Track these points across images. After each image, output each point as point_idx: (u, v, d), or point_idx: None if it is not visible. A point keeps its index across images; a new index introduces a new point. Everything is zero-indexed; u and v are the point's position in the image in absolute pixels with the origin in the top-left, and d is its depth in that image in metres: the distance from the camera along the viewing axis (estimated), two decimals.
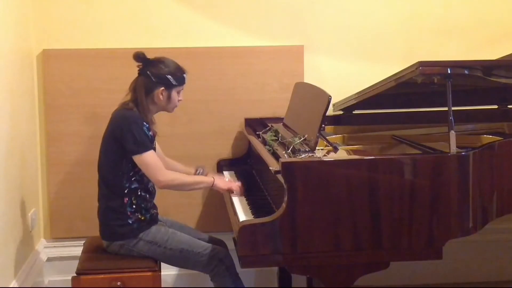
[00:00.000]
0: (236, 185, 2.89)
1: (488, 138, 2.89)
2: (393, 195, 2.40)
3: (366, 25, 3.62)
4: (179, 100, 2.84)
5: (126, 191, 2.75)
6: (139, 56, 2.78)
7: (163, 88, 2.77)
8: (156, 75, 2.76)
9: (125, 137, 2.68)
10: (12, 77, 3.02)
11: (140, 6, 3.47)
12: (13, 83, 3.03)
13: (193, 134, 3.49)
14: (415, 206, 2.41)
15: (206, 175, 3.05)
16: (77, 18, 3.43)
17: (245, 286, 2.83)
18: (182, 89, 2.84)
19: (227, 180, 3.00)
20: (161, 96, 2.78)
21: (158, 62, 2.79)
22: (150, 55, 3.40)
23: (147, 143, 2.71)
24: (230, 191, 2.88)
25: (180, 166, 3.08)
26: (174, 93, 2.80)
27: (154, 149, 2.79)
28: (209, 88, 3.51)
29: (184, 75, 2.83)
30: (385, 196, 2.39)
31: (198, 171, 3.07)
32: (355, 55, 3.63)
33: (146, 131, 2.74)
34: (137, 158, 2.69)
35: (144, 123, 2.74)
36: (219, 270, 2.73)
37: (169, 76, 2.76)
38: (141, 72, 2.79)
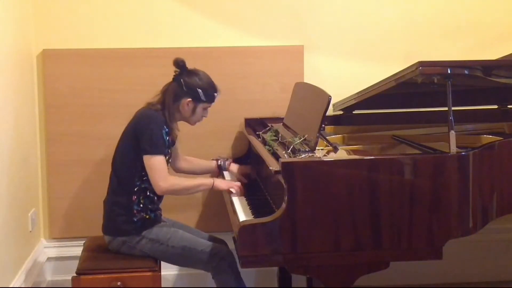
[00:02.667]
0: (235, 184, 2.90)
1: (488, 138, 2.89)
2: (393, 195, 2.40)
3: (366, 25, 3.62)
4: (203, 117, 2.88)
5: (135, 189, 2.77)
6: (179, 63, 2.81)
7: (190, 99, 2.80)
8: (188, 85, 2.79)
9: (143, 135, 2.71)
10: (12, 77, 3.02)
11: (140, 6, 3.47)
12: (13, 83, 3.03)
13: (193, 134, 3.48)
14: (415, 206, 2.41)
15: (228, 165, 3.15)
16: (77, 18, 3.43)
17: (246, 286, 2.83)
18: (210, 106, 2.87)
19: (227, 180, 3.03)
20: (186, 107, 2.81)
21: (194, 73, 2.83)
22: (150, 55, 3.43)
23: (161, 147, 2.72)
24: (230, 191, 2.89)
25: (202, 162, 3.18)
26: (200, 108, 2.84)
27: (168, 155, 2.82)
28: None
29: (215, 94, 2.85)
30: (385, 196, 2.39)
31: (219, 162, 3.15)
32: (355, 55, 3.63)
33: (165, 135, 2.75)
34: (146, 158, 2.71)
35: (165, 126, 2.76)
36: (221, 267, 2.73)
37: (199, 90, 2.79)
38: (175, 79, 2.83)
